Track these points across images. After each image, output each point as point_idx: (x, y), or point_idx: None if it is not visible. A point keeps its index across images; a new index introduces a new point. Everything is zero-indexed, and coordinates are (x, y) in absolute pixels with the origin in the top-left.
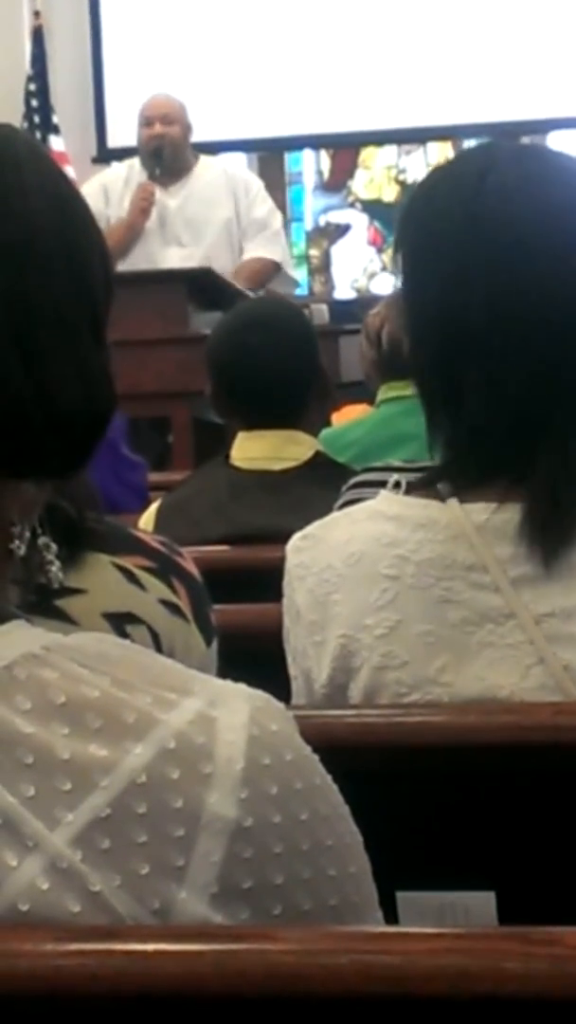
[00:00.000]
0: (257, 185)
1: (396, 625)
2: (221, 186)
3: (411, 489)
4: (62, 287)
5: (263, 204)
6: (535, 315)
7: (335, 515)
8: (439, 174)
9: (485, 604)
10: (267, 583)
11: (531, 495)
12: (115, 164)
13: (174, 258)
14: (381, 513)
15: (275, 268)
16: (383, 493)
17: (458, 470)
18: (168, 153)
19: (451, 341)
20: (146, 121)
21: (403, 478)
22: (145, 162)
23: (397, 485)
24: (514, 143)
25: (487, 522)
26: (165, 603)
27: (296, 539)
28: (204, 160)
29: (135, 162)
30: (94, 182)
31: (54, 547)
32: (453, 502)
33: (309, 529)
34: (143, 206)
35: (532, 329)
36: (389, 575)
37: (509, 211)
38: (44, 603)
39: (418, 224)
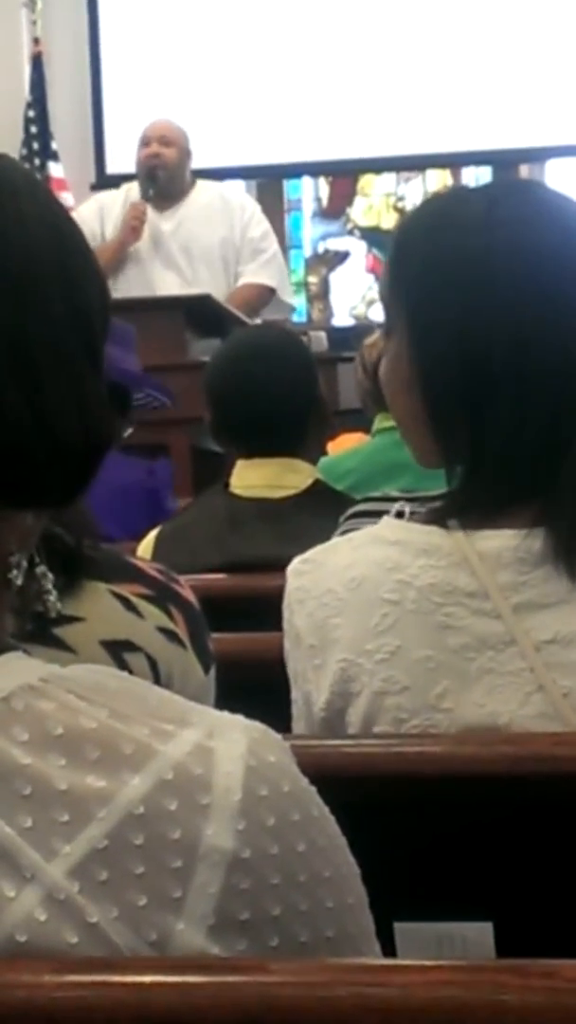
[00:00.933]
0: (252, 207)
1: (396, 650)
2: (217, 209)
3: (414, 515)
4: (60, 317)
5: (258, 226)
6: (556, 344)
7: (336, 540)
8: (435, 211)
9: (486, 630)
10: (265, 612)
11: (555, 520)
12: (110, 191)
13: (168, 281)
14: (383, 538)
15: (270, 294)
16: (386, 519)
17: (468, 498)
18: (163, 175)
19: (475, 376)
20: (144, 141)
21: (406, 507)
22: (140, 182)
23: (399, 514)
24: (508, 181)
25: (489, 548)
26: (163, 630)
27: (296, 563)
28: (200, 184)
29: (133, 184)
30: (91, 203)
31: (51, 576)
32: (456, 528)
33: (310, 553)
34: (134, 224)
35: (554, 359)
36: (390, 600)
37: (523, 239)
38: (42, 632)
39: (424, 261)
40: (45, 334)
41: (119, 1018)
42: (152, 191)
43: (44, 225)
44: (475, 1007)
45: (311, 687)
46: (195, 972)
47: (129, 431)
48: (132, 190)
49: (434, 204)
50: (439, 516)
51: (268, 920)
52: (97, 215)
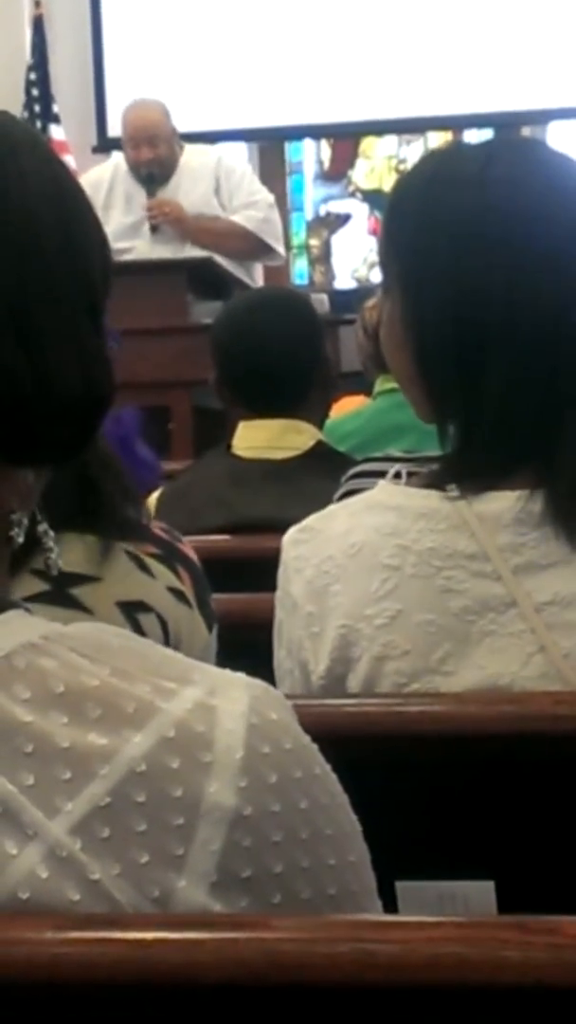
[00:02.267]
0: (241, 171)
1: (397, 615)
2: (207, 178)
3: (412, 479)
4: (60, 272)
5: (249, 185)
6: (550, 305)
7: (333, 507)
8: (430, 169)
9: (486, 593)
10: (267, 572)
11: (554, 482)
12: (97, 167)
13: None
14: (381, 503)
15: (249, 235)
16: (382, 483)
17: (468, 461)
18: (159, 172)
19: (469, 334)
20: (132, 143)
21: (403, 468)
22: (138, 180)
23: (397, 476)
24: (507, 139)
25: (488, 510)
26: (172, 590)
27: (293, 531)
28: (189, 150)
29: (120, 162)
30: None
31: (52, 534)
32: (454, 491)
33: (307, 522)
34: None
35: (548, 321)
36: (390, 565)
37: (518, 198)
38: (59, 592)
39: (418, 219)
40: (45, 290)
41: (121, 975)
42: (154, 189)
43: (44, 181)
44: (476, 963)
45: (308, 655)
46: (197, 929)
47: None
48: (120, 168)
49: (430, 161)
50: (437, 479)
51: (270, 877)
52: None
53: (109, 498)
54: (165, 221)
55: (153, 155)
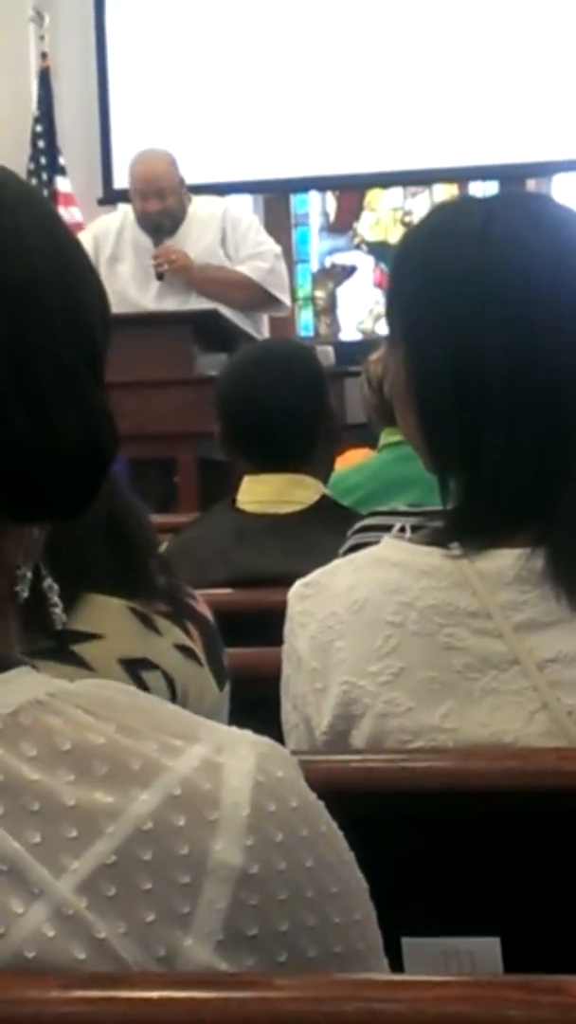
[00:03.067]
0: (247, 221)
1: (400, 672)
2: (213, 229)
3: (415, 536)
4: (60, 328)
5: (256, 236)
6: (550, 365)
7: (338, 562)
8: (433, 223)
9: (488, 650)
10: (272, 627)
11: (555, 539)
12: (105, 217)
13: (174, 306)
14: (385, 559)
15: (254, 285)
16: (387, 539)
17: (468, 519)
18: (168, 224)
19: (468, 395)
20: (140, 195)
21: (407, 524)
22: (146, 231)
23: (402, 530)
24: (510, 193)
25: (490, 568)
26: (180, 648)
27: (299, 586)
28: (198, 201)
29: (128, 211)
30: (85, 234)
31: (56, 588)
32: (456, 548)
33: (312, 576)
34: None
35: (547, 381)
36: (393, 622)
37: (517, 256)
38: (61, 648)
39: (420, 274)
40: (46, 348)
41: None
42: (161, 239)
43: (42, 237)
44: (483, 1023)
45: (311, 710)
46: (203, 988)
47: None
48: (128, 218)
49: (434, 216)
50: (439, 536)
51: (276, 936)
52: (91, 247)
53: (137, 559)
54: (171, 269)
55: (161, 207)
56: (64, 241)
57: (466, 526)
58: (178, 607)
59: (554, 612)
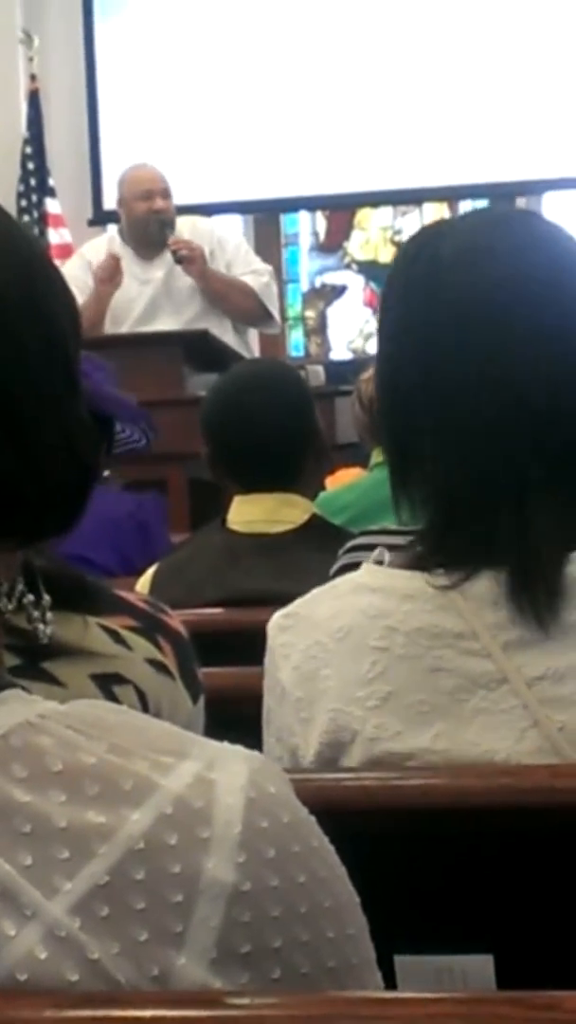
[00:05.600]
0: (236, 242)
1: (388, 696)
2: (203, 245)
3: (393, 561)
4: (35, 353)
5: (246, 256)
6: (511, 383)
7: (316, 591)
8: (411, 247)
9: (476, 670)
10: (262, 645)
11: (527, 563)
12: (94, 240)
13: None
14: (366, 586)
15: (251, 291)
16: (365, 566)
17: (448, 541)
18: (170, 228)
19: (413, 414)
20: (145, 196)
21: (385, 551)
22: (151, 236)
23: (380, 560)
24: (472, 212)
25: (474, 589)
26: (151, 662)
27: (278, 618)
28: (182, 220)
29: (115, 235)
30: (76, 258)
31: (47, 600)
32: (439, 572)
33: (291, 608)
34: (103, 276)
35: (512, 397)
36: (379, 647)
37: (471, 280)
38: (31, 666)
39: (395, 301)
40: (22, 373)
41: None
42: (169, 233)
43: (11, 266)
44: None
45: (298, 740)
46: (197, 1006)
47: (107, 473)
48: (115, 242)
49: (414, 239)
50: (418, 561)
51: (270, 952)
52: (85, 269)
53: (79, 574)
54: (189, 258)
55: (167, 205)
56: (28, 256)
57: (446, 549)
58: (148, 622)
59: (540, 630)
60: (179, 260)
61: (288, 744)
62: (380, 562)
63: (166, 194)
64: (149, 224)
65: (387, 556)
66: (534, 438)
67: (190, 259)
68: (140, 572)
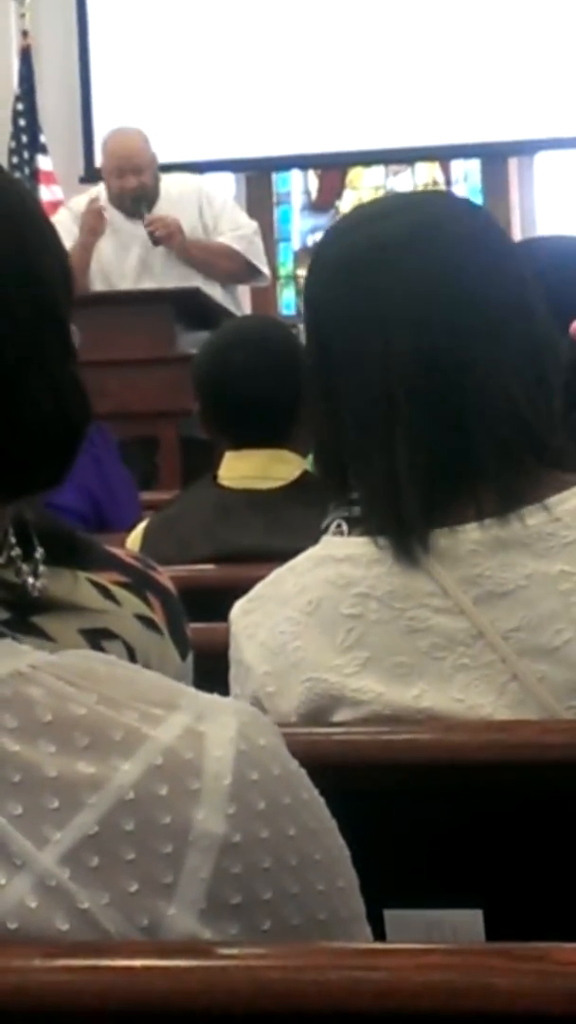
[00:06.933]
0: (222, 199)
1: (366, 661)
2: (190, 205)
3: (354, 531)
4: (25, 311)
5: (232, 212)
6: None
7: (278, 571)
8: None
9: (452, 627)
10: None
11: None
12: (78, 196)
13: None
14: (330, 556)
15: (233, 253)
16: (325, 539)
17: (404, 505)
18: (146, 200)
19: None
20: (117, 172)
21: (343, 525)
22: (126, 208)
23: (339, 528)
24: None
25: (439, 547)
26: (140, 617)
27: (241, 603)
28: (167, 179)
29: (101, 190)
30: (64, 212)
31: (41, 553)
32: (401, 532)
33: (253, 592)
34: (86, 226)
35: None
36: (352, 614)
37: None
38: (21, 620)
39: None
40: (11, 330)
41: (110, 1002)
42: (142, 213)
43: (1, 221)
44: (466, 990)
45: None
46: (185, 956)
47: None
48: (100, 197)
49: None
50: (378, 527)
51: (260, 904)
52: (73, 221)
53: (67, 527)
54: (167, 233)
55: (138, 183)
56: (23, 217)
57: (403, 513)
58: (138, 577)
59: (508, 582)
60: (156, 241)
61: None
62: (340, 533)
63: (138, 170)
64: (123, 200)
65: (345, 526)
66: (466, 406)
67: (167, 236)
68: (104, 505)
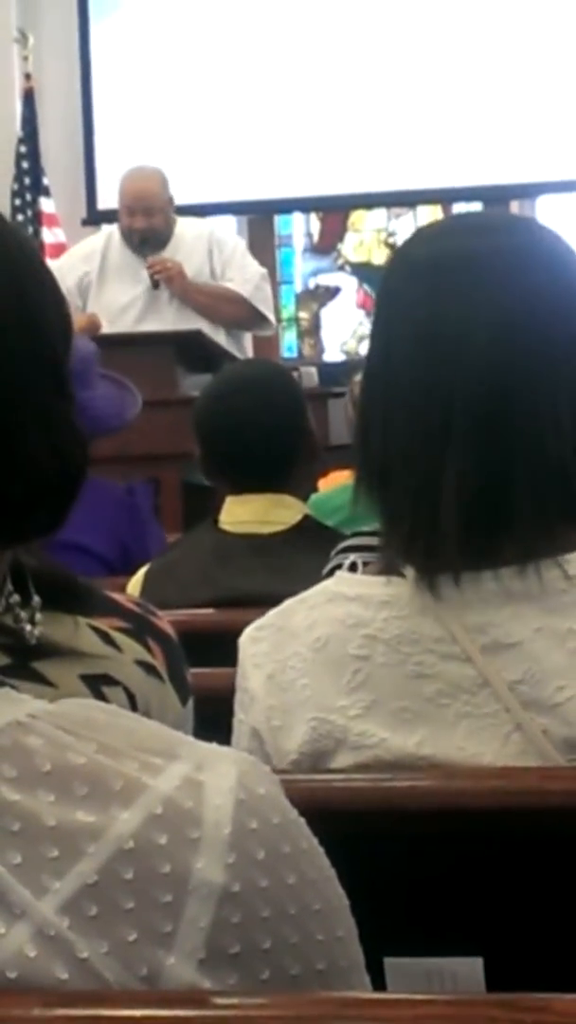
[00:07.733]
0: (232, 244)
1: (371, 704)
2: (201, 250)
3: (368, 568)
4: (23, 358)
5: (242, 258)
6: (495, 384)
7: (290, 602)
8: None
9: (458, 674)
10: None
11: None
12: (89, 238)
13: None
14: (342, 594)
15: (239, 298)
16: (339, 574)
17: (423, 545)
18: (154, 241)
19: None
20: (128, 211)
21: (358, 561)
22: (134, 249)
23: (352, 566)
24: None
25: (450, 593)
26: (141, 663)
27: (251, 630)
28: (183, 222)
29: (113, 232)
30: (75, 252)
31: (37, 600)
32: (413, 575)
33: (264, 619)
34: (83, 327)
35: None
36: (359, 656)
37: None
38: (21, 665)
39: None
40: (9, 377)
41: None
42: (148, 252)
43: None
44: None
45: (269, 749)
46: (185, 1006)
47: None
48: (112, 238)
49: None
50: (393, 566)
51: (259, 953)
52: (83, 262)
53: (67, 574)
54: (166, 278)
55: (147, 224)
56: (19, 258)
57: (420, 553)
58: (138, 623)
59: (516, 632)
60: (156, 285)
61: (261, 753)
62: (354, 569)
63: (149, 211)
64: (131, 238)
65: (360, 564)
66: (517, 448)
67: (167, 279)
68: (134, 556)
